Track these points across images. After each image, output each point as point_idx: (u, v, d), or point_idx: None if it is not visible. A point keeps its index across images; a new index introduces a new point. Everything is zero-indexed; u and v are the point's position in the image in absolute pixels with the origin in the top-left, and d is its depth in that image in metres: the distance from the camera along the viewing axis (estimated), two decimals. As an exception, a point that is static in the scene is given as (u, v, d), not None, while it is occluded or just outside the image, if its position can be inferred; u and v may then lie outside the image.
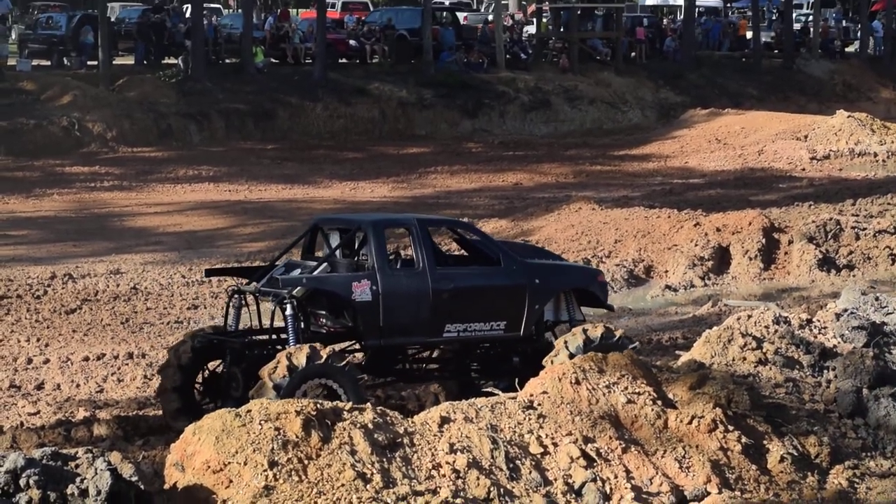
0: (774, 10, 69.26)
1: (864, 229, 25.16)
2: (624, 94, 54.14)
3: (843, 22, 69.56)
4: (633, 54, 59.46)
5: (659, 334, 19.77)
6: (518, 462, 10.59)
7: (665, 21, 67.14)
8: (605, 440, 11.00)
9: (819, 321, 14.28)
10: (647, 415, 11.36)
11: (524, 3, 74.47)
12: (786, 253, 24.61)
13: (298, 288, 15.01)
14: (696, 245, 24.66)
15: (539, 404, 11.32)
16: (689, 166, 42.13)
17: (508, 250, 17.09)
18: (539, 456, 10.75)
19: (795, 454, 11.45)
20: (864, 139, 44.10)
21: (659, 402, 11.54)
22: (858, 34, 66.11)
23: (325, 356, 13.80)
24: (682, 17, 64.33)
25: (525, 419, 11.10)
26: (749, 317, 13.83)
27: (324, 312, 15.62)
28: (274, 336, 15.59)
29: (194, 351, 15.20)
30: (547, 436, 10.96)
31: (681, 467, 10.94)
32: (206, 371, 15.31)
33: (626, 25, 60.38)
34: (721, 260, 24.51)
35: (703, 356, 13.16)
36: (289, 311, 14.94)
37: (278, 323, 15.36)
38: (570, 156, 43.98)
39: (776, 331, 13.57)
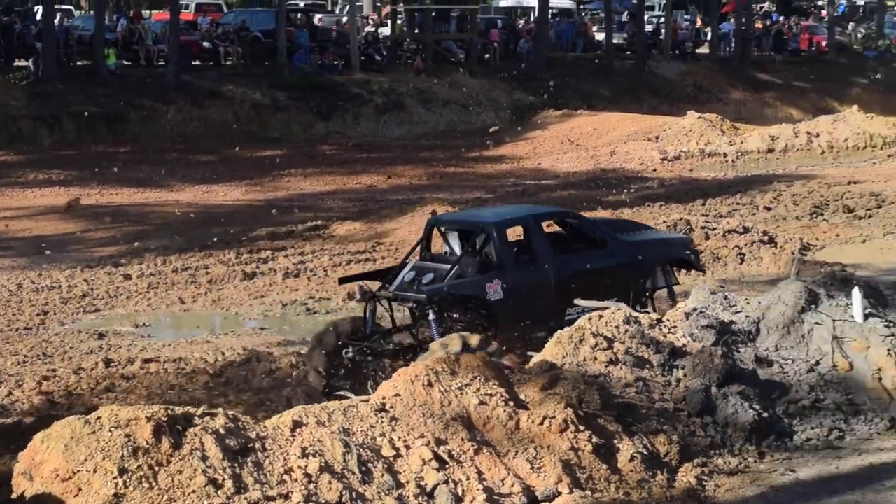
0: (626, 12, 70.01)
1: (714, 229, 25.52)
2: (478, 95, 54.28)
3: (696, 23, 70.46)
4: (487, 56, 59.70)
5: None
6: (370, 465, 10.56)
7: (519, 23, 67.46)
8: (457, 442, 11.02)
9: (669, 321, 14.43)
10: (499, 416, 11.39)
11: (378, 4, 74.43)
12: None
13: (436, 295, 16.33)
14: (549, 246, 24.81)
15: (391, 407, 11.30)
16: (542, 167, 42.40)
17: (612, 231, 18.70)
18: (391, 459, 10.73)
19: (645, 453, 11.57)
20: (714, 140, 44.81)
21: (511, 404, 11.59)
22: (709, 36, 67.02)
23: (475, 343, 14.66)
24: (535, 18, 64.71)
25: (377, 422, 11.07)
26: (600, 317, 13.93)
27: (457, 315, 16.64)
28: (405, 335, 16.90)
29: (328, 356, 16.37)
30: (399, 438, 10.94)
31: (532, 468, 10.99)
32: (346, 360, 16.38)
33: (481, 27, 60.63)
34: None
35: (555, 357, 13.24)
36: (431, 317, 16.25)
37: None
38: (424, 157, 44.02)
39: (627, 331, 13.69)
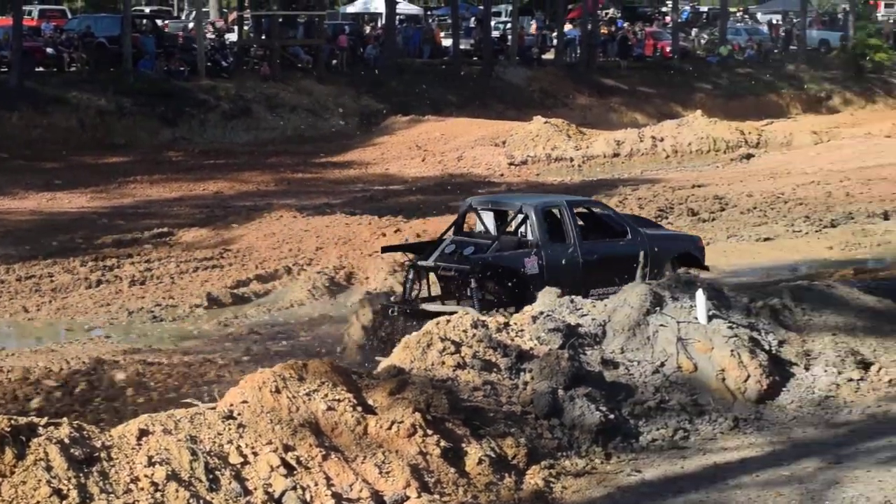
0: (473, 18, 70.32)
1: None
2: (325, 101, 54.12)
3: (533, 28, 70.96)
4: (334, 62, 59.59)
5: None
6: (218, 473, 10.45)
7: (366, 28, 67.45)
8: (305, 448, 10.96)
9: (516, 324, 14.51)
10: (347, 421, 11.35)
11: (225, 10, 73.91)
12: (485, 257, 24.93)
13: (481, 264, 18.40)
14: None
15: (239, 414, 11.20)
16: (389, 173, 42.44)
17: (633, 223, 20.78)
18: (239, 466, 10.63)
19: (493, 456, 11.61)
20: (560, 145, 45.19)
21: (359, 409, 11.55)
22: (555, 42, 67.59)
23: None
24: (383, 24, 64.73)
25: (225, 429, 10.96)
26: (448, 321, 13.96)
27: (493, 285, 18.58)
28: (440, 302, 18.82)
29: (375, 314, 18.40)
30: (247, 445, 10.84)
31: (381, 473, 10.96)
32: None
33: (328, 33, 60.50)
34: (422, 265, 24.72)
35: (403, 361, 13.23)
36: (473, 284, 18.28)
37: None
38: (271, 164, 43.78)
39: (474, 335, 13.73)
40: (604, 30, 69.86)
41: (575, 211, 20.19)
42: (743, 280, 22.87)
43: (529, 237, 19.31)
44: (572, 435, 12.46)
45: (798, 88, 67.68)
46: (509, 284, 18.80)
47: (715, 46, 70.61)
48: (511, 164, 43.06)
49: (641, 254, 18.84)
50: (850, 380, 14.55)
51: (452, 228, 20.34)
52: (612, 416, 12.81)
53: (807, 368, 14.68)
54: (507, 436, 11.98)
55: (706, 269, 21.42)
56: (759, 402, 13.85)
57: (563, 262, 19.22)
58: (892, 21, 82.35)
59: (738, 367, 13.94)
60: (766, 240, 28.89)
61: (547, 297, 15.40)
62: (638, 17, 78.48)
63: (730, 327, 14.40)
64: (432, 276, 19.49)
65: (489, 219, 20.21)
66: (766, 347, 14.61)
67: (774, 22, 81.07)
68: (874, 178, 39.11)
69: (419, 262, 19.22)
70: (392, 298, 19.39)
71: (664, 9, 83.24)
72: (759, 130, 50.52)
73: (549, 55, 66.93)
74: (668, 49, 68.41)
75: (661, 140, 46.55)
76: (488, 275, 18.66)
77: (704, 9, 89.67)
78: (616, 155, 45.13)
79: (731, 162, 44.75)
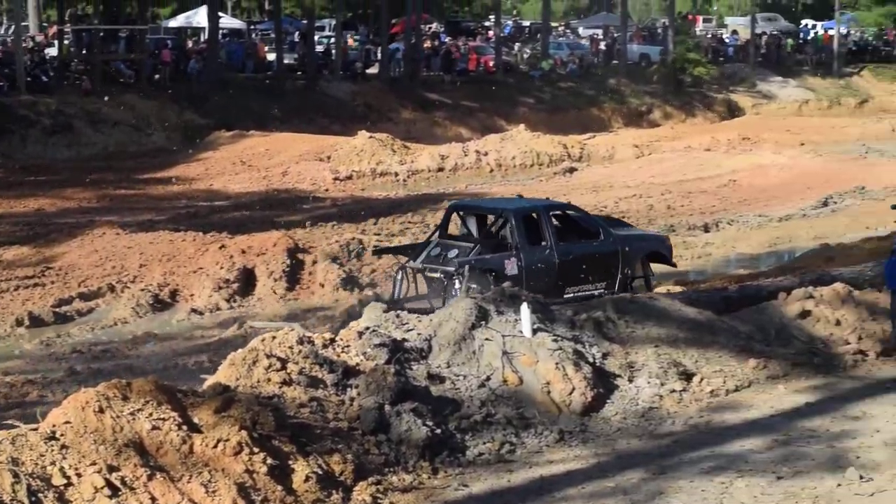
0: (297, 33, 70.01)
1: (387, 248, 25.70)
2: (148, 116, 53.34)
3: (349, 41, 70.92)
4: (157, 76, 58.88)
5: (185, 358, 19.62)
6: (41, 495, 10.26)
7: (189, 43, 66.76)
8: (130, 468, 10.79)
9: (342, 340, 14.48)
10: (172, 440, 11.21)
11: (45, 24, 72.59)
12: (310, 273, 24.88)
13: (467, 266, 19.71)
14: (221, 268, 24.64)
15: (62, 434, 11.00)
16: (214, 189, 42.05)
17: (605, 225, 22.27)
18: (63, 488, 10.44)
19: (320, 472, 11.56)
20: (385, 159, 45.30)
21: (185, 427, 11.42)
22: (379, 56, 67.59)
23: None
24: (205, 38, 64.15)
25: (48, 451, 10.76)
26: (273, 338, 13.88)
27: (475, 285, 19.02)
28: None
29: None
30: (71, 466, 10.66)
31: (207, 491, 10.84)
32: None
33: (150, 47, 59.77)
34: (247, 282, 24.56)
35: (229, 379, 13.12)
36: (457, 285, 19.44)
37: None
38: (93, 180, 43.00)
39: (300, 351, 13.67)
40: (427, 44, 70.10)
41: (551, 214, 21.66)
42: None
43: (509, 240, 20.75)
44: (399, 450, 12.46)
45: (619, 102, 68.64)
46: (491, 285, 18.97)
47: (537, 61, 71.24)
48: (336, 178, 43.00)
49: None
50: (673, 391, 14.79)
51: (437, 231, 21.81)
52: (438, 431, 12.84)
53: (630, 380, 14.88)
54: (335, 452, 11.94)
55: (674, 265, 23.58)
56: (583, 415, 14.00)
57: (541, 263, 20.69)
58: (709, 36, 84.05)
59: (562, 379, 14.07)
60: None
61: (373, 313, 15.39)
62: (461, 32, 78.84)
63: (554, 340, 14.54)
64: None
65: (472, 222, 21.84)
66: (591, 360, 14.79)
67: (595, 36, 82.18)
68: (694, 191, 39.89)
69: (408, 265, 20.89)
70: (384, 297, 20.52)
71: (487, 23, 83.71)
72: (581, 144, 51.20)
73: (374, 70, 66.92)
74: (491, 63, 68.83)
75: (486, 154, 46.93)
76: (471, 276, 19.72)
77: (527, 23, 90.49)
78: (441, 169, 45.38)
79: (554, 175, 45.23)
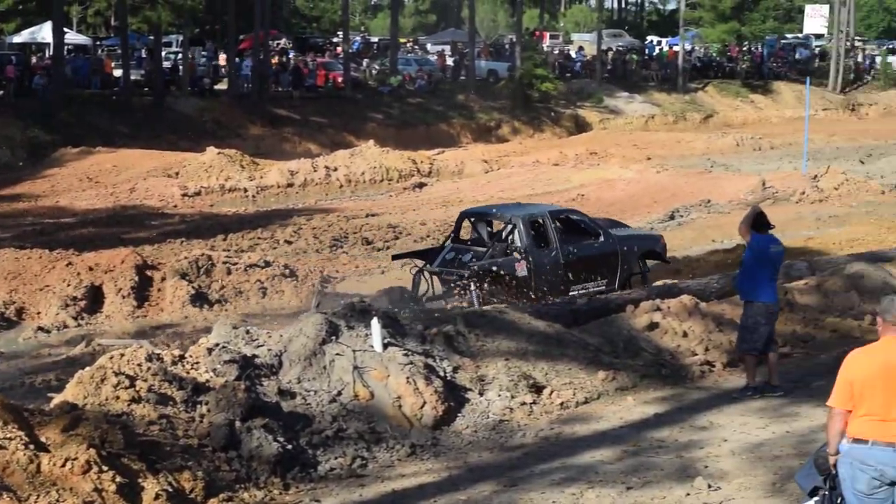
0: (144, 48, 69.26)
1: (236, 264, 25.54)
2: (-8, 133, 52.46)
3: (213, 59, 70.48)
4: (1, 92, 57.84)
5: (32, 377, 19.23)
6: None
7: (34, 58, 65.68)
8: (-26, 490, 10.58)
9: (192, 356, 14.34)
10: (19, 460, 10.99)
11: None
12: (159, 290, 24.57)
13: (479, 270, 21.50)
14: (68, 285, 24.22)
15: None
16: (60, 205, 41.38)
17: (604, 227, 24.09)
18: None
19: (170, 490, 11.42)
20: (234, 175, 45.06)
21: (31, 447, 11.20)
22: (227, 72, 67.14)
23: None
24: (50, 54, 63.16)
25: None
26: (122, 355, 13.69)
27: (488, 287, 21.35)
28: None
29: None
30: None
31: (54, 512, 10.67)
32: None
33: (-7, 63, 58.79)
34: (94, 299, 24.16)
35: (77, 397, 12.91)
36: (472, 287, 21.22)
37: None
38: (-65, 197, 42.19)
39: (149, 368, 13.50)
40: (275, 60, 69.84)
41: (555, 218, 23.37)
42: (418, 308, 23.11)
43: (518, 244, 22.33)
44: (250, 466, 12.37)
45: (468, 118, 68.98)
46: (503, 286, 21.64)
47: (386, 77, 71.38)
48: (184, 195, 42.61)
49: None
50: (524, 403, 14.89)
51: (451, 237, 23.59)
52: (290, 447, 12.78)
53: (481, 393, 14.95)
54: (185, 469, 11.81)
55: (667, 262, 25.40)
56: (435, 428, 14.03)
57: (548, 264, 22.38)
58: (556, 52, 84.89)
59: (414, 393, 14.09)
60: (439, 267, 29.29)
61: (222, 329, 15.27)
62: (309, 48, 78.72)
63: (405, 355, 14.56)
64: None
65: (482, 227, 23.62)
66: (442, 374, 14.83)
67: (444, 52, 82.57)
68: (542, 206, 40.16)
69: (426, 268, 22.52)
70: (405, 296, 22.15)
71: (335, 39, 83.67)
72: (430, 159, 51.40)
73: (222, 86, 66.47)
74: (340, 79, 68.79)
75: (335, 170, 46.91)
76: (485, 278, 21.54)
77: (375, 39, 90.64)
78: (290, 185, 45.24)
79: (404, 191, 45.32)
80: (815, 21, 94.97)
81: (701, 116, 77.26)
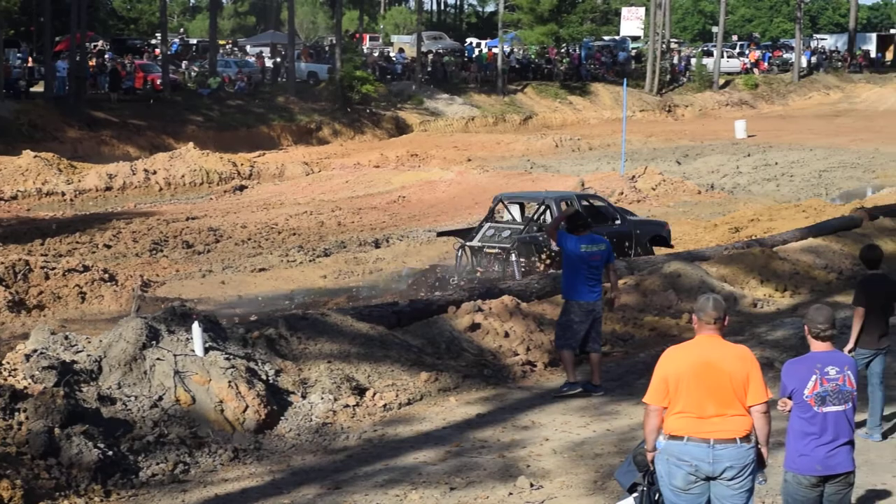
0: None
1: (54, 269, 25.10)
2: None
3: (29, 62, 69.10)
4: None
5: None
6: None
7: None
8: None
9: (9, 363, 14.07)
10: None
11: None
12: (-26, 296, 24.06)
13: (520, 243, 24.36)
14: None
15: None
16: None
17: (621, 212, 27.71)
18: None
19: (-12, 501, 11.21)
20: (51, 179, 44.38)
21: None
22: (44, 74, 65.89)
23: None
24: None
25: None
26: (-66, 365, 13.39)
27: (525, 259, 24.34)
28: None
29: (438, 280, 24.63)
30: None
31: None
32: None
33: None
34: None
35: None
36: (513, 258, 24.23)
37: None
38: None
39: (-37, 376, 13.23)
40: (93, 62, 68.77)
41: (581, 202, 25.84)
42: (240, 311, 22.99)
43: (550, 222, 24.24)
44: (70, 474, 12.18)
45: (289, 120, 68.69)
46: (539, 258, 24.40)
47: (205, 79, 70.78)
48: (0, 199, 41.79)
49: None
50: (347, 406, 14.90)
51: (487, 217, 26.40)
52: (110, 453, 12.61)
53: (304, 396, 14.92)
54: (3, 478, 11.57)
55: (671, 247, 27.92)
56: (258, 432, 13.96)
57: None
58: (377, 54, 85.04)
59: (236, 397, 14.01)
60: (261, 270, 29.17)
61: (40, 335, 15.00)
62: (128, 50, 77.59)
63: (227, 359, 14.46)
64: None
65: (515, 209, 26.70)
66: (264, 377, 14.76)
67: (263, 54, 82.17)
68: (365, 207, 40.29)
69: (468, 244, 25.27)
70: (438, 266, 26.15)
71: (154, 41, 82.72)
72: (251, 162, 51.22)
73: (38, 88, 65.23)
74: (158, 81, 68.02)
75: (154, 173, 46.45)
76: (524, 250, 24.41)
77: (194, 41, 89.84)
78: (109, 188, 44.71)
79: (224, 193, 45.05)
80: (631, 23, 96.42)
81: (520, 118, 78.00)
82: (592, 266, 16.06)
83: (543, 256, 24.46)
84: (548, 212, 25.20)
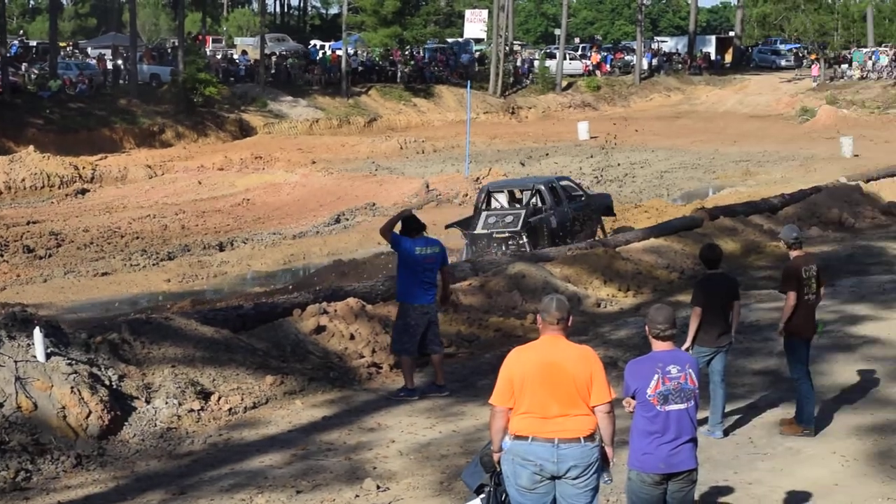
0: None
1: None
2: None
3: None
4: None
5: None
6: None
7: None
8: None
9: None
10: None
11: None
12: None
13: (527, 225, 27.51)
14: None
15: None
16: None
17: (586, 189, 32.52)
18: None
19: None
20: None
21: None
22: None
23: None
24: None
25: None
26: None
27: (532, 238, 27.52)
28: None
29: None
30: None
31: None
32: None
33: None
34: None
35: None
36: (524, 239, 27.27)
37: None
38: None
39: None
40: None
41: (560, 183, 30.11)
42: (83, 316, 22.71)
43: (541, 205, 28.51)
44: None
45: (131, 122, 67.86)
46: (542, 235, 27.74)
47: (46, 81, 69.63)
48: None
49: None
50: (192, 410, 14.78)
51: (480, 207, 28.85)
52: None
53: (148, 401, 14.77)
54: None
55: (614, 216, 33.07)
56: (101, 438, 13.79)
57: (564, 217, 28.69)
58: (219, 56, 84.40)
59: (78, 403, 13.82)
60: (104, 274, 28.86)
61: None
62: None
63: (69, 364, 14.26)
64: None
65: (503, 197, 29.33)
66: (107, 383, 14.59)
67: (104, 56, 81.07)
68: (209, 210, 40.01)
69: (472, 232, 28.00)
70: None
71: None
72: (93, 165, 50.52)
73: None
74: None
75: (-5, 176, 45.62)
76: (531, 232, 27.50)
77: (34, 43, 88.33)
78: (-54, 192, 43.81)
79: (66, 197, 44.43)
80: (474, 26, 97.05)
81: (365, 120, 78.00)
82: (427, 269, 16.08)
83: (547, 234, 27.90)
84: (539, 195, 28.67)
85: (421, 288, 16.04)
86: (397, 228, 16.19)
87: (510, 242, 27.38)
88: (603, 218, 31.31)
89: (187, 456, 13.65)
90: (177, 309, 22.18)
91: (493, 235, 27.56)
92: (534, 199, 28.61)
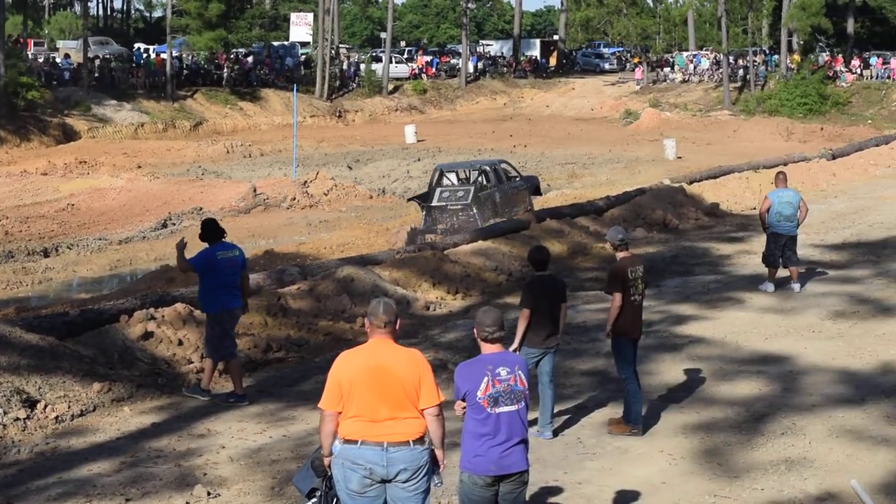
0: None
1: None
2: None
3: None
4: None
5: None
6: None
7: None
8: None
9: None
10: None
11: None
12: None
13: (477, 199, 31.54)
14: None
15: None
16: None
17: (518, 171, 36.33)
18: None
19: None
20: None
21: None
22: None
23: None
24: None
25: None
26: None
27: (481, 210, 31.48)
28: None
29: (409, 235, 30.92)
30: None
31: None
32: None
33: None
34: None
35: None
36: (474, 210, 31.12)
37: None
38: None
39: None
40: None
41: (501, 164, 34.57)
42: None
43: (486, 182, 32.70)
44: None
45: None
46: (488, 208, 31.66)
47: None
48: None
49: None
50: (17, 419, 14.56)
51: (433, 184, 32.59)
52: None
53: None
54: None
55: (541, 194, 38.24)
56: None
57: (507, 193, 32.97)
58: (41, 59, 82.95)
59: None
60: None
61: None
62: None
63: None
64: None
65: (453, 176, 33.35)
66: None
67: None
68: (32, 216, 39.35)
69: (430, 204, 31.70)
70: (415, 227, 31.68)
71: None
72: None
73: None
74: None
75: None
76: (480, 204, 31.33)
77: None
78: None
79: None
80: (300, 29, 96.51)
81: (191, 124, 77.25)
82: (232, 272, 16.02)
83: (491, 207, 31.77)
84: (485, 174, 32.91)
85: (229, 294, 15.96)
86: (192, 251, 16.12)
87: (461, 214, 31.26)
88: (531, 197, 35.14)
89: (13, 465, 13.45)
90: (0, 316, 21.81)
91: (448, 207, 31.47)
92: (480, 178, 32.79)
